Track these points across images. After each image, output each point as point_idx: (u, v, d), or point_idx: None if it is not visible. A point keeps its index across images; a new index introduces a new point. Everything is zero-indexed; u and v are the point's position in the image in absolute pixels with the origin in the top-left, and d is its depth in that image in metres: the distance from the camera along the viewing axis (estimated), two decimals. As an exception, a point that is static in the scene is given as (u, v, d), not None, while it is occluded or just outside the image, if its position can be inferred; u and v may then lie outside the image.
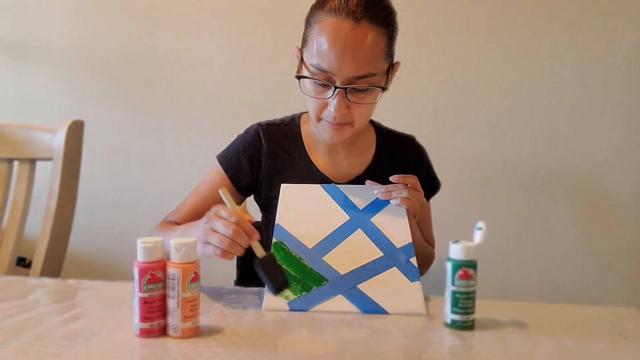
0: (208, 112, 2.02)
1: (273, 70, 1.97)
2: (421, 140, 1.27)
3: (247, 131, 1.19)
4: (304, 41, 1.04)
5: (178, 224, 1.13)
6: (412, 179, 1.04)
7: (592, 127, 1.92)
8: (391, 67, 1.07)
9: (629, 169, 1.92)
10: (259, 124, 1.18)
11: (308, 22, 1.03)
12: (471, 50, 1.92)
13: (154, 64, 2.03)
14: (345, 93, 0.99)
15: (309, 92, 1.02)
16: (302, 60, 1.04)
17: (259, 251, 0.85)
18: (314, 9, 1.02)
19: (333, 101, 0.99)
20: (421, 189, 1.06)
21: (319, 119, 1.05)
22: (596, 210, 1.94)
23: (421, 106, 1.95)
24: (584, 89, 1.90)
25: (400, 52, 2.00)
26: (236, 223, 0.84)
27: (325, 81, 0.99)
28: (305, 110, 1.20)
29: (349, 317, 0.85)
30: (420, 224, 1.17)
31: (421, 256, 1.12)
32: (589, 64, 1.89)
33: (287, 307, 0.87)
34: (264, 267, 0.84)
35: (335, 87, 0.98)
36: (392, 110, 1.91)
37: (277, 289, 0.85)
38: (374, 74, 1.00)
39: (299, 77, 1.03)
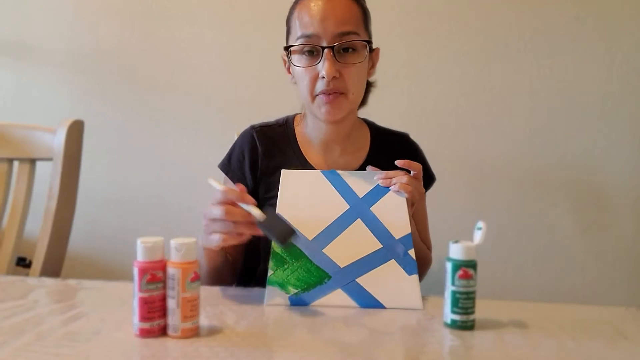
0: (208, 112, 2.02)
1: (273, 70, 1.95)
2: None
3: (242, 135, 1.21)
4: (287, 32, 1.12)
5: None
6: (417, 167, 1.04)
7: (592, 127, 1.92)
8: (372, 50, 1.12)
9: (629, 168, 1.92)
10: (252, 127, 1.20)
11: (288, 17, 1.12)
12: (471, 50, 1.92)
13: (154, 64, 2.03)
14: (334, 54, 1.03)
15: (300, 69, 1.07)
16: (289, 54, 1.09)
17: (257, 213, 0.85)
18: (291, 7, 1.12)
19: (324, 65, 1.03)
20: (422, 179, 1.07)
21: (313, 97, 1.07)
22: (596, 210, 1.94)
23: (421, 106, 1.95)
24: (584, 89, 1.90)
25: (401, 52, 2.01)
26: (226, 202, 0.86)
27: (313, 45, 1.04)
28: (298, 112, 1.23)
29: (348, 317, 0.85)
30: (417, 222, 1.17)
31: (418, 256, 1.13)
32: (589, 64, 1.89)
33: (288, 302, 0.88)
34: (265, 226, 0.85)
35: (323, 48, 1.03)
36: (392, 110, 1.92)
37: (283, 240, 0.85)
38: (356, 32, 1.05)
39: (287, 48, 1.09)
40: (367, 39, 1.09)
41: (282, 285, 0.90)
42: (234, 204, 0.86)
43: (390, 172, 1.03)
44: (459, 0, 1.91)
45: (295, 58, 1.08)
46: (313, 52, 1.06)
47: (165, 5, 2.01)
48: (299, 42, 1.05)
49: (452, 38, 1.92)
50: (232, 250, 1.12)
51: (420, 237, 1.19)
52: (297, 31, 1.07)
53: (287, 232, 0.85)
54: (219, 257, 1.03)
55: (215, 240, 0.87)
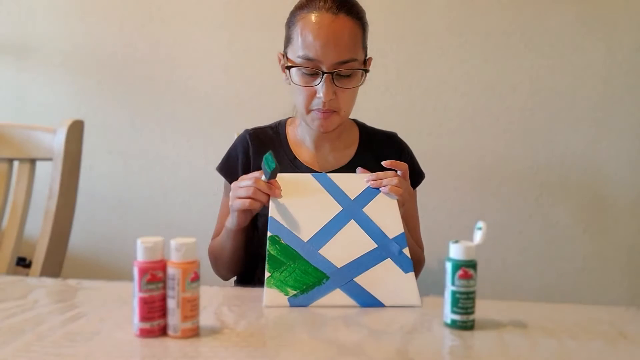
0: (208, 112, 2.02)
1: (273, 71, 1.95)
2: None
3: (237, 139, 1.29)
4: (287, 40, 1.15)
5: None
6: (403, 166, 1.07)
7: (592, 127, 1.92)
8: (366, 61, 1.17)
9: (629, 168, 1.92)
10: (246, 130, 1.28)
11: (289, 22, 1.15)
12: (471, 50, 1.92)
13: (155, 65, 2.03)
14: (332, 79, 1.09)
15: (298, 83, 1.12)
16: (287, 59, 1.15)
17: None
18: (294, 11, 1.15)
19: (322, 87, 1.09)
20: (409, 179, 1.09)
21: (308, 111, 1.13)
22: (596, 210, 1.94)
23: (421, 106, 1.95)
24: (584, 89, 1.90)
25: (401, 52, 2.01)
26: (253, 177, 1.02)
27: (313, 69, 1.09)
28: (291, 116, 1.29)
29: (348, 316, 0.85)
30: (407, 222, 1.18)
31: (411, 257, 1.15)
32: (589, 64, 1.89)
33: (288, 304, 0.88)
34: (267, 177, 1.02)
35: (323, 73, 1.08)
36: (392, 110, 1.92)
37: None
38: (354, 59, 1.11)
39: (288, 67, 1.13)
40: (364, 58, 1.15)
41: (281, 287, 0.89)
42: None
43: (380, 174, 1.05)
44: (459, 0, 1.91)
45: (294, 72, 1.12)
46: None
47: (166, 6, 2.01)
48: (299, 61, 1.10)
49: (452, 38, 1.92)
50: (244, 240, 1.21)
51: (412, 236, 1.20)
52: (298, 48, 1.10)
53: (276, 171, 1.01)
54: (241, 239, 1.15)
55: (238, 204, 1.02)
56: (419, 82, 1.94)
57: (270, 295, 0.88)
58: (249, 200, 1.00)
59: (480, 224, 0.81)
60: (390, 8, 1.91)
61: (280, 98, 1.90)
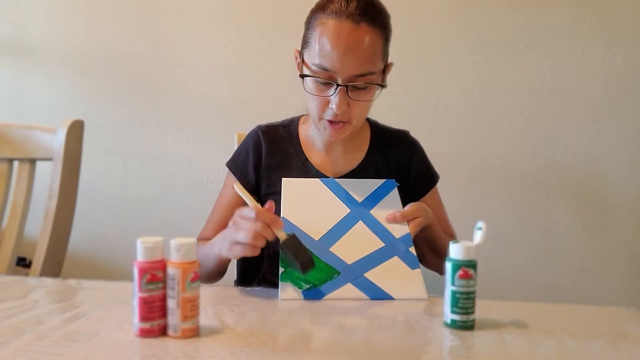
0: (208, 112, 2.02)
1: (273, 71, 1.96)
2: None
3: (249, 135, 1.25)
4: (305, 42, 1.08)
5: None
6: (400, 215, 1.03)
7: (592, 127, 1.92)
8: (385, 67, 1.12)
9: (629, 168, 1.92)
10: (259, 126, 1.23)
11: (309, 24, 1.08)
12: (471, 50, 1.92)
13: (155, 65, 2.03)
14: (347, 91, 1.03)
15: (311, 91, 1.07)
16: (302, 61, 1.09)
17: (281, 235, 0.91)
18: (315, 12, 1.07)
19: (335, 98, 1.04)
20: (419, 206, 1.04)
21: (320, 118, 1.09)
22: (596, 210, 1.94)
23: (421, 106, 1.95)
24: (584, 89, 1.90)
25: (401, 52, 2.00)
26: (257, 216, 0.89)
27: (328, 79, 1.04)
28: (304, 113, 1.24)
29: (348, 316, 0.85)
30: (434, 213, 1.16)
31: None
32: (589, 64, 1.89)
33: (302, 297, 0.91)
34: (288, 248, 0.91)
35: (338, 85, 1.03)
36: (393, 110, 1.92)
37: (304, 268, 0.90)
38: (372, 72, 1.05)
39: (302, 76, 1.07)
40: (383, 67, 1.09)
41: (295, 282, 0.93)
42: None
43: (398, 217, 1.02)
44: (459, 0, 1.91)
45: (308, 79, 1.07)
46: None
47: (166, 5, 2.01)
48: (314, 68, 1.04)
49: (453, 38, 1.92)
50: None
51: (441, 227, 1.18)
52: (315, 55, 1.04)
53: (307, 262, 0.91)
54: (226, 265, 1.09)
55: (237, 251, 0.91)
56: (419, 82, 1.94)
57: (286, 289, 0.92)
58: (248, 247, 0.90)
59: (480, 224, 0.81)
60: (390, 8, 1.90)
61: (280, 97, 1.91)
